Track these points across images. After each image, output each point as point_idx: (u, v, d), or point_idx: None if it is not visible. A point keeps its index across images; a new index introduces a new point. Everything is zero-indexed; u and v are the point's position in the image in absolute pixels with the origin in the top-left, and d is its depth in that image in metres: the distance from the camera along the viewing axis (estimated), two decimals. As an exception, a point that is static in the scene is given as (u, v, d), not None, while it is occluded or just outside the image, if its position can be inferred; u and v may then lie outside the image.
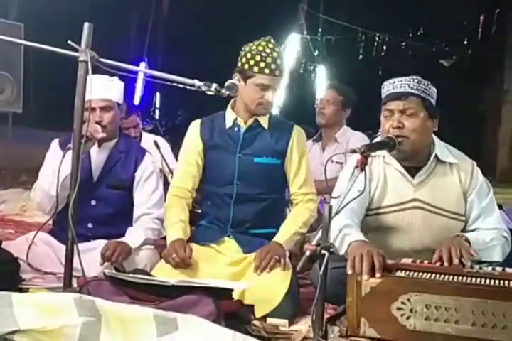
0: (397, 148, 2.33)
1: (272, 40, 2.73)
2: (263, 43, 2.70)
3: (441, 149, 2.45)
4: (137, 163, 2.97)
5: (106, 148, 2.96)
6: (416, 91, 2.35)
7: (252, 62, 2.67)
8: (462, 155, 2.49)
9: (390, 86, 2.40)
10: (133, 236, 2.82)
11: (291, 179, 2.83)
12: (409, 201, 2.41)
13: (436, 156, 2.42)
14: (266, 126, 2.81)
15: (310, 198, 2.85)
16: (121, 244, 2.71)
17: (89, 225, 2.87)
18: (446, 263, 2.08)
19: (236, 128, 2.80)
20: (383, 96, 2.43)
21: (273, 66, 2.66)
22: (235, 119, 2.81)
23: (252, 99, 2.72)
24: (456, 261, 2.07)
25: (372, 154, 2.35)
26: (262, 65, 2.66)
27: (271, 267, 2.53)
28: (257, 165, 2.77)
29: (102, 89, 2.79)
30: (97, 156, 2.94)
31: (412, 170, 2.43)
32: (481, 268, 2.04)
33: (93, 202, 2.88)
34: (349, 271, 1.98)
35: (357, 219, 2.36)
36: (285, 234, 2.71)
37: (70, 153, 2.52)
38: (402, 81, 2.37)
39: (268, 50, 2.68)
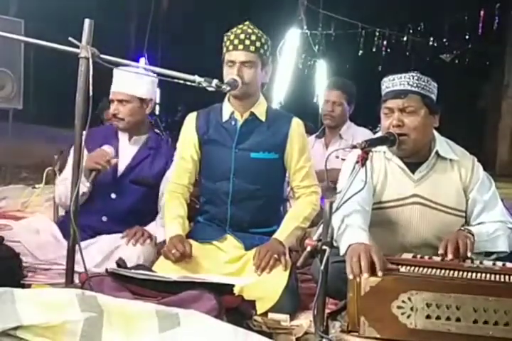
0: (398, 146, 2.33)
1: (246, 22, 2.71)
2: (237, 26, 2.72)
3: (442, 145, 2.45)
4: (168, 163, 2.97)
5: (136, 143, 2.99)
6: (416, 89, 2.34)
7: (224, 45, 2.70)
8: (463, 151, 2.49)
9: (390, 83, 2.39)
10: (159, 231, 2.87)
11: (292, 172, 2.78)
12: (409, 196, 2.41)
13: (437, 152, 2.42)
14: (263, 118, 2.74)
15: (313, 191, 2.80)
16: (146, 232, 2.82)
17: (104, 218, 2.87)
18: (450, 256, 2.09)
19: (233, 122, 2.74)
20: (383, 93, 2.42)
21: (236, 41, 2.64)
22: (232, 113, 2.75)
23: (225, 78, 2.65)
24: (468, 254, 2.10)
25: (373, 150, 2.36)
26: (227, 43, 2.67)
27: (271, 267, 2.50)
28: (254, 161, 2.71)
29: (121, 82, 2.85)
30: (126, 150, 2.96)
31: (413, 166, 2.43)
32: (481, 262, 2.05)
33: (113, 195, 2.90)
34: (350, 276, 1.97)
35: (367, 206, 2.35)
36: (286, 229, 2.68)
37: None
38: (401, 78, 2.36)
39: (234, 29, 2.69)
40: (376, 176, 2.45)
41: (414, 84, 2.34)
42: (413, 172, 2.43)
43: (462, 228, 2.31)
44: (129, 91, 2.91)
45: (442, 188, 2.41)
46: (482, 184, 2.42)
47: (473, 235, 2.23)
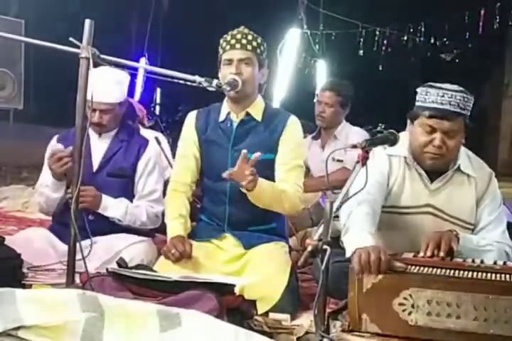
0: (429, 160, 2.31)
1: (241, 27, 2.74)
2: None
3: (464, 159, 2.42)
4: (140, 151, 3.00)
5: (106, 138, 2.99)
6: (463, 112, 2.26)
7: (220, 47, 2.71)
8: (482, 165, 2.47)
9: (437, 98, 2.26)
10: (116, 207, 2.87)
11: (276, 165, 2.70)
12: (422, 205, 2.40)
13: (458, 166, 2.39)
14: (259, 118, 2.74)
15: (296, 189, 2.67)
16: (98, 196, 2.82)
17: (90, 217, 2.82)
18: (428, 253, 2.08)
19: (229, 123, 2.75)
20: (423, 103, 2.30)
21: (233, 41, 2.66)
22: (228, 113, 2.75)
23: (223, 77, 2.64)
24: (441, 254, 2.07)
25: (394, 153, 2.37)
26: (224, 44, 2.69)
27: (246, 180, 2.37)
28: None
29: (103, 91, 2.77)
30: (98, 145, 2.96)
31: (431, 176, 2.40)
32: (482, 262, 2.05)
33: None
34: (359, 276, 1.97)
35: (378, 208, 2.32)
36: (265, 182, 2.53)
37: None
38: (451, 97, 2.24)
39: (230, 32, 2.71)
40: (393, 179, 2.43)
41: (463, 106, 2.26)
42: (431, 181, 2.41)
43: (451, 229, 2.27)
44: (111, 100, 2.89)
45: (457, 201, 2.39)
46: (492, 201, 2.40)
47: (458, 238, 2.18)
